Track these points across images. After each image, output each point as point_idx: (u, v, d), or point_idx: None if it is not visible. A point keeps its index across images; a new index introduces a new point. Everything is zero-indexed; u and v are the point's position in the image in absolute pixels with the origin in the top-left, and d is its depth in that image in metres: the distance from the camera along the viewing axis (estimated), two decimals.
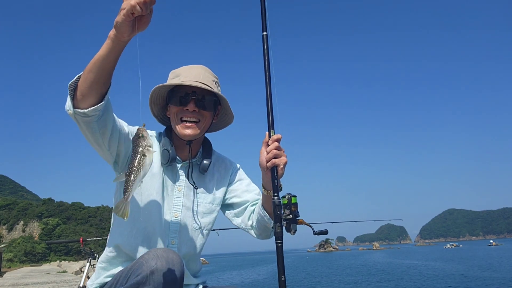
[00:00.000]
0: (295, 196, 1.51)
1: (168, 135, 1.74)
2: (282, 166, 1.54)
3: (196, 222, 1.74)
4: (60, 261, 42.62)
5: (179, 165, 1.73)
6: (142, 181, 1.37)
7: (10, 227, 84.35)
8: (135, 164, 1.34)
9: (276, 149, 1.53)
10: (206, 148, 1.81)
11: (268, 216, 1.66)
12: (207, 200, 1.77)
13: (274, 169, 1.52)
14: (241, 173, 1.91)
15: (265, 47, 1.59)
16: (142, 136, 1.38)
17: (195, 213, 1.73)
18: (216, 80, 1.74)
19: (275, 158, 1.52)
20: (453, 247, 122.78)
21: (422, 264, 39.97)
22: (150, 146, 1.37)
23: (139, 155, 1.35)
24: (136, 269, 1.36)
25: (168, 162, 1.65)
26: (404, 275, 27.52)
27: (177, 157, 1.72)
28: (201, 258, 1.96)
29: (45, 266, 34.74)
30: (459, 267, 33.70)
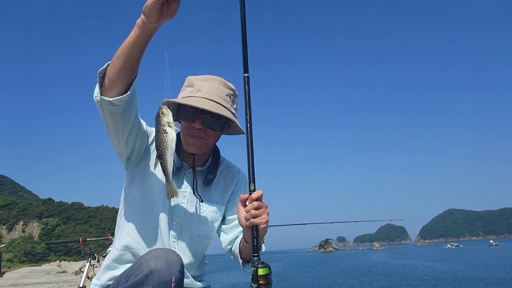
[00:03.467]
0: (265, 267, 1.35)
1: (178, 141, 1.72)
2: (263, 225, 1.43)
3: (197, 229, 1.73)
4: (60, 261, 42.64)
5: (186, 171, 1.72)
6: (173, 160, 1.43)
7: (9, 227, 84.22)
8: (160, 144, 1.43)
9: (255, 208, 1.41)
10: (214, 158, 1.78)
11: (241, 261, 1.66)
12: (211, 209, 1.76)
13: (253, 228, 1.42)
14: (245, 185, 1.87)
15: (246, 89, 1.50)
16: (162, 113, 1.43)
17: (197, 220, 1.72)
18: (231, 93, 1.69)
19: (254, 218, 1.42)
20: (453, 247, 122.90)
21: (422, 264, 39.94)
22: (170, 122, 1.43)
23: (161, 134, 1.42)
24: (136, 269, 1.36)
25: (174, 171, 1.64)
26: (405, 275, 27.49)
27: (185, 163, 1.72)
28: None
29: (45, 266, 34.70)
30: (460, 267, 33.68)
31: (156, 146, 1.44)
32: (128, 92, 1.42)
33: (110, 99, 1.40)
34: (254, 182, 1.45)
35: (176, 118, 1.71)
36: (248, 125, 1.47)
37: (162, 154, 1.43)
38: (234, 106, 1.72)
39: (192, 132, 1.63)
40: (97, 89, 1.43)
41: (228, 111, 1.65)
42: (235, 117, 1.71)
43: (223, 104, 1.64)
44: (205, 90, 1.63)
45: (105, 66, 1.42)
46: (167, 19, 1.33)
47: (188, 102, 1.59)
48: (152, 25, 1.33)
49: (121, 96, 1.40)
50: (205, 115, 1.60)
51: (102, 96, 1.41)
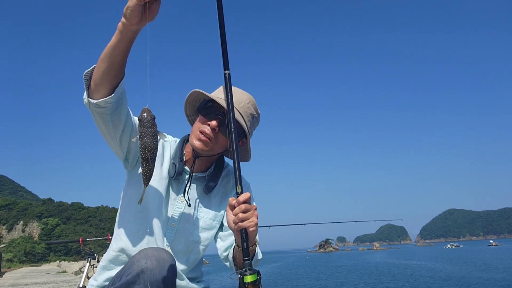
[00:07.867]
0: (253, 274, 1.26)
1: (184, 144, 1.72)
2: (252, 228, 1.37)
3: (193, 235, 1.70)
4: (60, 261, 42.64)
5: (187, 176, 1.70)
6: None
7: (9, 227, 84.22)
8: (150, 148, 1.38)
9: (243, 211, 1.35)
10: (218, 166, 1.77)
11: (234, 266, 1.61)
12: (209, 215, 1.73)
13: (243, 231, 1.36)
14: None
15: (227, 85, 1.46)
16: (140, 118, 1.38)
17: (193, 226, 1.70)
18: (255, 115, 1.71)
19: (242, 221, 1.36)
20: (453, 247, 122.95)
21: (422, 264, 39.95)
22: (140, 131, 1.38)
23: (153, 138, 1.39)
24: (127, 268, 1.36)
25: (174, 176, 1.64)
26: (405, 275, 27.49)
27: (186, 167, 1.70)
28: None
29: (45, 266, 34.72)
30: (460, 267, 33.68)
31: (145, 149, 1.37)
32: (113, 94, 1.40)
33: (96, 101, 1.39)
34: (241, 184, 1.38)
35: (196, 110, 1.73)
36: (232, 116, 1.42)
37: (141, 161, 1.39)
38: (252, 129, 1.73)
39: (205, 129, 1.61)
40: (85, 92, 1.42)
41: (246, 126, 1.65)
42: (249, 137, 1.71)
43: (245, 120, 1.65)
44: (235, 99, 1.62)
45: (91, 68, 1.41)
46: (149, 21, 1.30)
47: (216, 99, 1.59)
48: (134, 28, 1.30)
49: (105, 98, 1.39)
50: (224, 118, 1.59)
51: (89, 99, 1.41)
